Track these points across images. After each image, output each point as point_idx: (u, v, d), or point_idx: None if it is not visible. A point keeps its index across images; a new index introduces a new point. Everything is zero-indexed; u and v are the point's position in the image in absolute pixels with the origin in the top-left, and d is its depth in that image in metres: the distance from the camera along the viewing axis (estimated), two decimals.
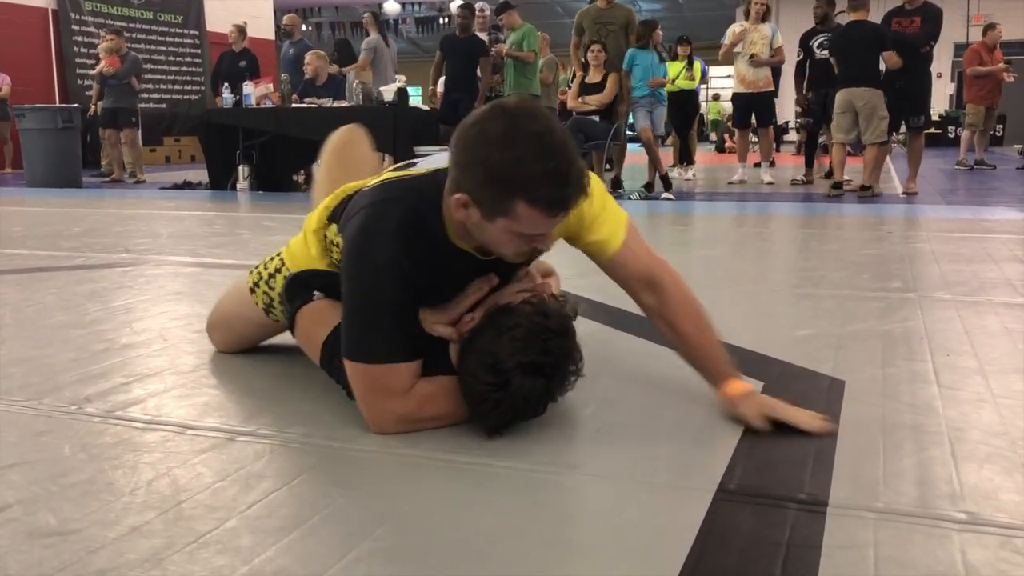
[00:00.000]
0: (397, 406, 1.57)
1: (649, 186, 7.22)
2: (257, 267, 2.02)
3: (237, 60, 9.55)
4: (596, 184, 1.67)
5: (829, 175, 7.27)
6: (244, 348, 2.18)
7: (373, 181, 1.71)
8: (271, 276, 1.95)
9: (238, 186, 7.93)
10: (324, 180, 2.11)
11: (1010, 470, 1.44)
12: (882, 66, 6.67)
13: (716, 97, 19.62)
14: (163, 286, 3.18)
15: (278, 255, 1.96)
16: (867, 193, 6.79)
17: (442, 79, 8.15)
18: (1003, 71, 9.79)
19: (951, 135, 15.25)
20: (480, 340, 1.54)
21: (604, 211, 1.71)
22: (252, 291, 2.01)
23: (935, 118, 12.82)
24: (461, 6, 8.06)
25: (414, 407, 1.58)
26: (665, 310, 1.76)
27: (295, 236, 1.95)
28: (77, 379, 1.99)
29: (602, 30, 7.26)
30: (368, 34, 9.16)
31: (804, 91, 8.11)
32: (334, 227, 1.77)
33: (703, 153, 12.12)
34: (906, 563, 1.13)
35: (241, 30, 9.75)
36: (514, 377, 1.48)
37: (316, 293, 1.82)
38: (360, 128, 2.25)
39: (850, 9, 6.79)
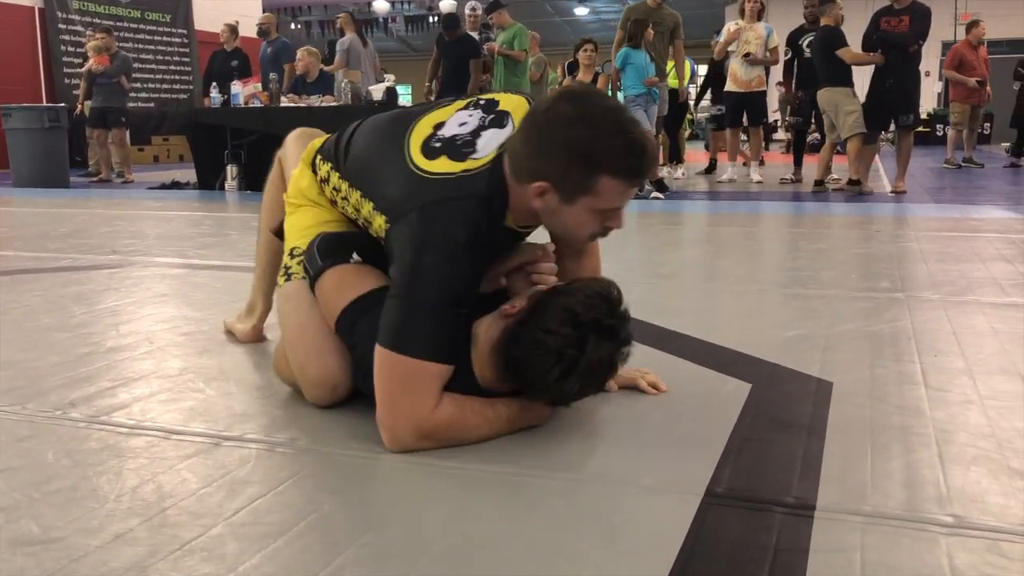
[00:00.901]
0: (422, 412, 1.50)
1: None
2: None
3: (229, 60, 9.52)
4: None
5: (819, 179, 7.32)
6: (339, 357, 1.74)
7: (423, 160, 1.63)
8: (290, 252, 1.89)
9: (226, 186, 7.90)
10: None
11: (996, 472, 1.44)
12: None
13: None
14: (150, 288, 3.17)
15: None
16: (855, 189, 6.83)
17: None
18: (973, 84, 9.82)
19: (939, 133, 15.30)
20: (548, 309, 1.51)
21: None
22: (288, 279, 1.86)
23: (923, 116, 12.86)
24: (446, 16, 8.10)
25: (443, 421, 1.52)
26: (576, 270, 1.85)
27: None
28: (62, 383, 1.97)
29: (655, 29, 7.18)
30: (344, 34, 9.15)
31: (794, 90, 8.12)
32: (327, 165, 1.82)
33: (692, 152, 12.14)
34: (893, 567, 1.13)
35: (233, 29, 9.72)
36: (591, 335, 1.48)
37: (355, 256, 1.76)
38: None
39: (819, 14, 7.07)
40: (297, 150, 2.08)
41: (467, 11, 8.39)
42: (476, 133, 1.65)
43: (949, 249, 3.93)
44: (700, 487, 1.38)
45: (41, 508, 1.32)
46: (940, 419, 1.69)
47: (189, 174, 8.70)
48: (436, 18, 20.45)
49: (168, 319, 2.63)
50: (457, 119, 1.70)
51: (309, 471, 1.48)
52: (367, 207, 1.69)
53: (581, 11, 23.08)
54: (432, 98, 8.24)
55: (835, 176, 7.65)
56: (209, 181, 8.08)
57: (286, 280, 1.85)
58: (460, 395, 1.56)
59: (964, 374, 2.00)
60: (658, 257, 3.96)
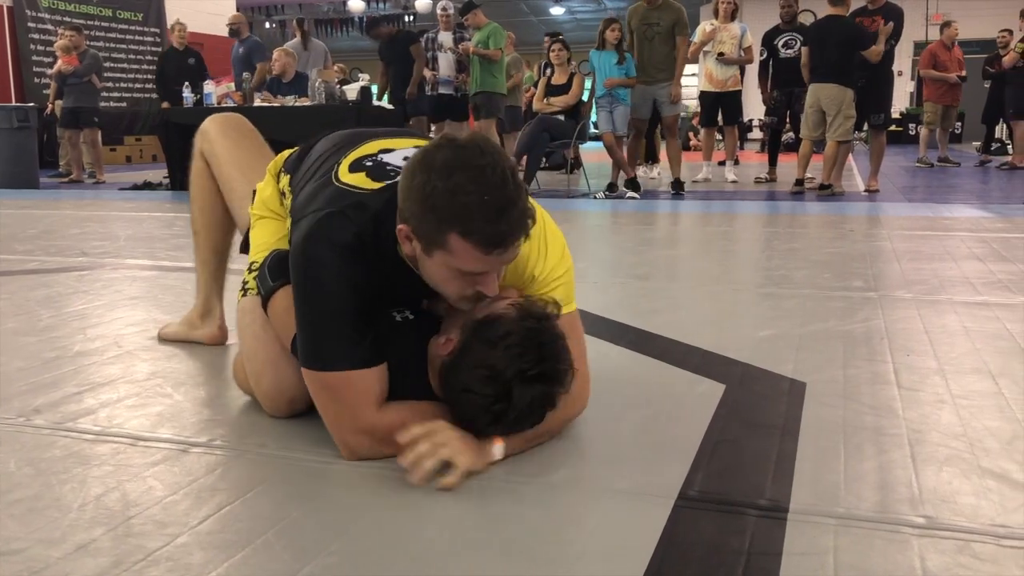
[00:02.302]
0: (364, 420, 1.47)
1: (612, 186, 7.21)
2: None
3: (184, 58, 9.41)
4: (555, 240, 1.62)
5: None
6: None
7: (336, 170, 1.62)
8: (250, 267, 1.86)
9: None
10: (231, 160, 2.14)
11: (968, 472, 1.44)
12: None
13: None
14: (120, 291, 3.12)
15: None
16: (826, 192, 6.84)
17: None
18: (955, 79, 9.95)
19: (912, 133, 15.46)
20: (471, 356, 1.44)
21: (567, 274, 1.64)
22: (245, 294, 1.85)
23: (896, 116, 12.99)
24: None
25: (396, 425, 1.46)
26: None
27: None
28: (26, 389, 1.94)
29: (648, 31, 7.00)
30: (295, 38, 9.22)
31: (769, 90, 8.15)
32: (287, 177, 1.82)
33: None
34: (866, 570, 1.13)
35: (182, 27, 9.59)
36: (515, 386, 1.41)
37: None
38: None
39: (830, 3, 6.78)
40: (226, 148, 2.11)
41: (438, 11, 8.36)
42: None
43: (922, 248, 3.96)
44: (673, 490, 1.38)
45: (2, 519, 1.29)
46: (912, 419, 1.70)
47: (161, 174, 8.61)
48: (412, 17, 20.39)
49: (138, 322, 2.59)
50: (406, 152, 1.65)
51: (278, 477, 1.46)
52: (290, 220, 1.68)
53: (557, 11, 23.09)
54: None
55: (809, 175, 7.69)
56: (182, 182, 7.99)
57: (243, 295, 1.82)
58: (418, 403, 1.52)
59: (936, 373, 2.00)
60: (632, 257, 3.96)
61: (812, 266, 3.50)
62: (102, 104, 10.00)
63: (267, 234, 1.85)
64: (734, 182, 8.15)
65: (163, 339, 2.38)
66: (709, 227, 5.18)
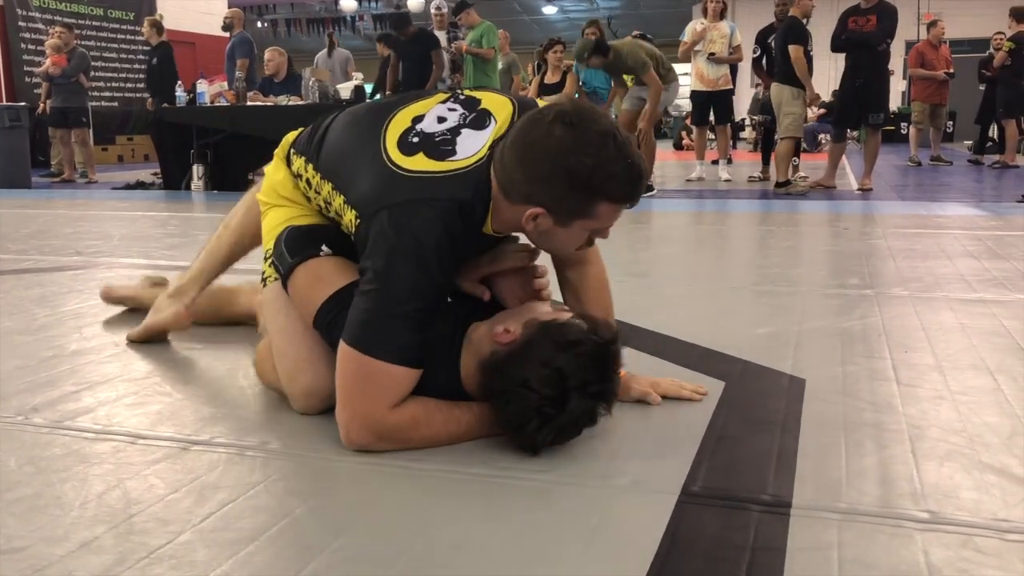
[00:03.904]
0: (380, 414, 1.48)
1: None
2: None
3: (149, 58, 9.36)
4: None
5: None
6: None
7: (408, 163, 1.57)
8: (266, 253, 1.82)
9: (192, 186, 7.80)
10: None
11: (968, 467, 1.45)
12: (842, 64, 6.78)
13: None
14: None
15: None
16: (783, 189, 6.83)
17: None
18: (943, 76, 10.00)
19: (903, 131, 15.50)
20: (536, 352, 1.46)
21: None
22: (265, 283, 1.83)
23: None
24: (397, 17, 8.13)
25: (405, 423, 1.49)
26: (582, 285, 1.82)
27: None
28: (24, 388, 1.93)
29: (616, 77, 6.86)
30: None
31: (763, 89, 8.18)
32: (301, 159, 1.76)
33: (661, 150, 12.18)
34: (870, 564, 1.13)
35: (153, 24, 9.46)
36: (574, 395, 1.43)
37: (324, 248, 1.70)
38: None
39: (787, 3, 6.98)
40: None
41: (432, 10, 8.37)
42: (456, 131, 1.60)
43: (916, 246, 3.97)
44: (676, 486, 1.38)
45: (3, 517, 1.28)
46: (912, 415, 1.70)
47: (153, 173, 8.58)
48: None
49: (134, 321, 2.58)
50: (436, 113, 1.65)
51: (280, 475, 1.45)
52: (338, 200, 1.63)
53: (549, 10, 23.09)
54: None
55: (802, 174, 7.71)
56: (175, 181, 7.98)
57: (264, 287, 1.81)
58: (430, 399, 1.53)
59: (934, 370, 2.01)
60: (629, 255, 3.96)
61: (808, 264, 3.51)
62: (93, 104, 9.96)
63: (279, 219, 1.81)
64: (728, 181, 8.17)
65: (133, 338, 2.31)
66: (704, 225, 5.19)
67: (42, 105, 9.52)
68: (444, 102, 1.69)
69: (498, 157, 1.50)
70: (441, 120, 1.62)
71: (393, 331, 1.46)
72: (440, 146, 1.57)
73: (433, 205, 1.48)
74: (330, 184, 1.67)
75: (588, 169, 1.40)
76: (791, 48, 6.76)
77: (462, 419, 1.55)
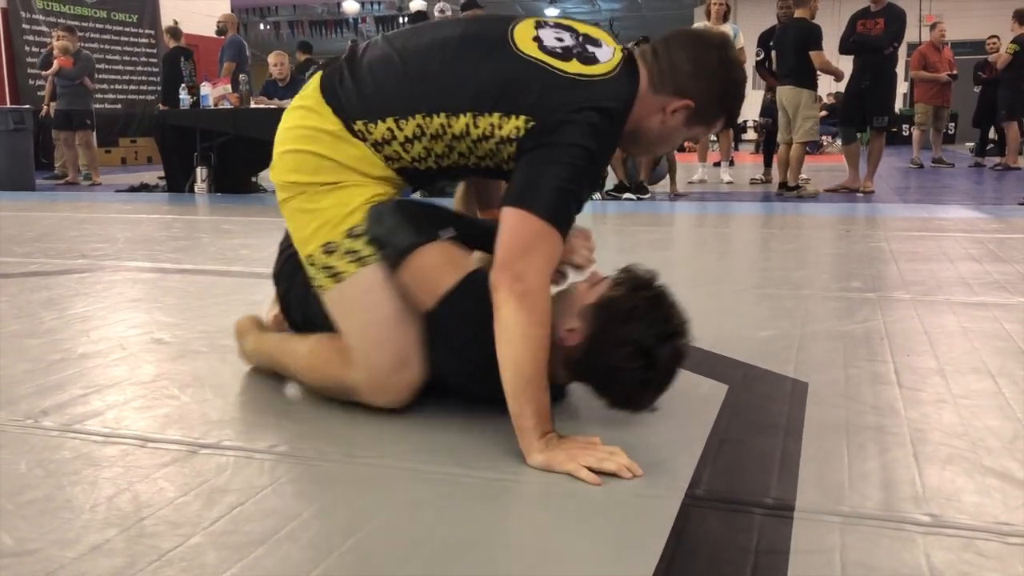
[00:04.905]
0: (541, 272, 1.55)
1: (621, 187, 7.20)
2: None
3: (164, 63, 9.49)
4: None
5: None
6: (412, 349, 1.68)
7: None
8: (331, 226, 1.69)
9: (196, 188, 7.82)
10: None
11: (970, 471, 1.46)
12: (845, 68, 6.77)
13: None
14: (121, 292, 3.13)
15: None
16: (792, 193, 6.84)
17: None
18: (946, 77, 10.01)
19: (905, 133, 15.50)
20: (606, 338, 1.57)
21: None
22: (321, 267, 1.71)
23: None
24: (416, 15, 8.09)
25: (544, 301, 1.55)
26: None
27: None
28: (33, 391, 1.94)
29: None
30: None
31: (764, 91, 8.19)
32: (385, 122, 1.65)
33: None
34: (873, 567, 1.15)
35: (171, 31, 9.56)
36: (656, 350, 1.55)
37: (448, 230, 1.67)
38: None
39: (794, 5, 6.90)
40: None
41: (436, 12, 8.38)
42: (583, 46, 1.67)
43: (918, 249, 3.98)
44: (680, 489, 1.39)
45: (14, 520, 1.30)
46: (914, 418, 1.72)
47: (157, 176, 8.60)
48: (406, 19, 20.39)
49: (140, 324, 2.60)
50: (551, 33, 1.69)
51: (288, 478, 1.47)
52: (461, 122, 1.61)
53: (552, 12, 23.13)
54: None
55: (804, 176, 7.72)
56: (178, 183, 7.99)
57: (360, 265, 1.66)
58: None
59: (936, 373, 2.02)
60: (631, 258, 3.95)
61: (810, 267, 3.52)
62: (97, 106, 9.98)
63: (362, 196, 1.69)
64: (730, 183, 8.18)
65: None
66: (706, 228, 5.20)
67: (46, 108, 9.55)
68: (544, 28, 1.71)
69: (654, 50, 1.67)
70: (559, 39, 1.68)
71: (557, 198, 1.57)
72: (584, 55, 1.66)
73: (612, 107, 1.61)
74: (445, 113, 1.62)
75: (736, 87, 1.69)
76: (813, 55, 6.67)
77: (538, 380, 1.52)
